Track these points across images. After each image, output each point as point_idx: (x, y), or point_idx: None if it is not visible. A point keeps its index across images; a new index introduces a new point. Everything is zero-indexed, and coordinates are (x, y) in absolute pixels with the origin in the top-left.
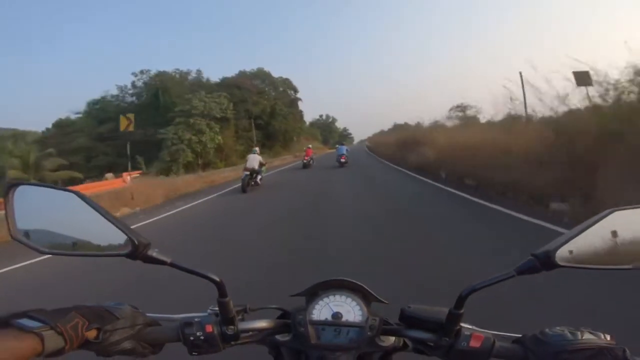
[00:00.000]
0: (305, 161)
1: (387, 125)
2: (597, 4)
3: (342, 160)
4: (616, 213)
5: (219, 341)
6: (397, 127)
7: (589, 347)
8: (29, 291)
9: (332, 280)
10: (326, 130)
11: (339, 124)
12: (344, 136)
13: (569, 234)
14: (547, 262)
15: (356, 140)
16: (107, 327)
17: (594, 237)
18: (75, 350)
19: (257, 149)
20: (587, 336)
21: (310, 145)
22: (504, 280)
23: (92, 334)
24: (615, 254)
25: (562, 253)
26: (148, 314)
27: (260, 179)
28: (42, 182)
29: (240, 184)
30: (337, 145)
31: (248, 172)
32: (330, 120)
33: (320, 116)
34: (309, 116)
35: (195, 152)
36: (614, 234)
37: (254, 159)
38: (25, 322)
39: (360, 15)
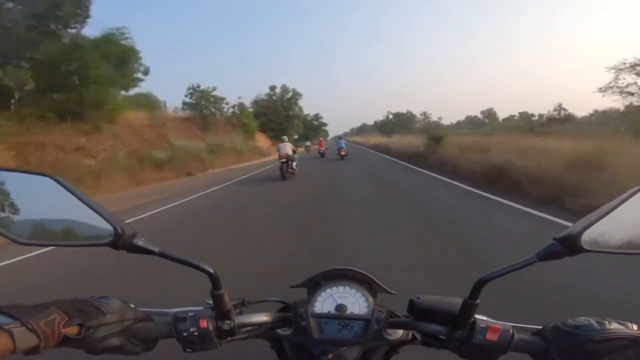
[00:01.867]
0: (321, 151)
1: (372, 118)
2: None
3: (342, 153)
4: None
5: (215, 337)
6: (399, 118)
7: (617, 337)
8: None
9: (334, 269)
10: (279, 114)
11: (306, 106)
12: (316, 128)
13: (593, 216)
14: (570, 246)
15: (331, 134)
16: (91, 322)
17: (621, 218)
18: (55, 347)
19: (286, 137)
20: (615, 326)
21: (321, 138)
22: (525, 267)
23: (73, 331)
24: None
25: (587, 237)
26: (140, 309)
27: (296, 165)
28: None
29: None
30: (310, 139)
31: (284, 160)
32: (288, 96)
33: (272, 89)
34: (249, 92)
35: None
36: None
37: (286, 147)
38: None
39: None
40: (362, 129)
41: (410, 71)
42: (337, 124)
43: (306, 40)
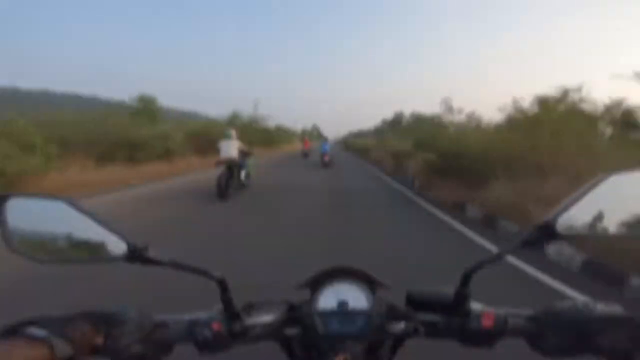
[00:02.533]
0: (305, 151)
1: (369, 123)
2: None
3: (326, 159)
4: (613, 177)
5: (227, 339)
6: (419, 120)
7: (604, 317)
8: None
9: (334, 268)
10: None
11: (298, 108)
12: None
13: (567, 202)
14: (548, 233)
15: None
16: (114, 331)
17: (593, 203)
18: (86, 356)
19: (233, 131)
20: (600, 307)
21: (306, 138)
22: (508, 254)
23: (99, 340)
24: (617, 220)
25: (563, 222)
26: (155, 316)
27: (247, 177)
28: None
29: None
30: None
31: (224, 166)
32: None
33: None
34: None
35: None
36: (614, 198)
37: (229, 146)
38: (34, 330)
39: None
40: (360, 135)
41: (413, 70)
42: (332, 125)
43: (297, 36)
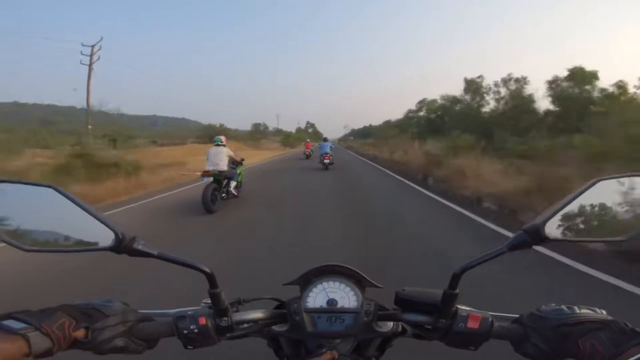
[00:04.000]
0: (307, 153)
1: (376, 119)
2: None
3: (326, 161)
4: (601, 183)
5: (214, 333)
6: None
7: (589, 320)
8: None
9: (324, 266)
10: None
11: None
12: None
13: (556, 207)
14: (536, 236)
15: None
16: (96, 325)
17: (581, 208)
18: (65, 350)
19: (222, 137)
20: (584, 311)
21: (308, 140)
22: (496, 256)
23: (80, 334)
24: (604, 224)
25: (550, 226)
26: (140, 310)
27: (237, 188)
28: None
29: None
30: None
31: (212, 177)
32: None
33: None
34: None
35: None
36: (601, 204)
37: (218, 154)
38: (10, 323)
39: None
40: (363, 133)
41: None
42: (332, 125)
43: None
